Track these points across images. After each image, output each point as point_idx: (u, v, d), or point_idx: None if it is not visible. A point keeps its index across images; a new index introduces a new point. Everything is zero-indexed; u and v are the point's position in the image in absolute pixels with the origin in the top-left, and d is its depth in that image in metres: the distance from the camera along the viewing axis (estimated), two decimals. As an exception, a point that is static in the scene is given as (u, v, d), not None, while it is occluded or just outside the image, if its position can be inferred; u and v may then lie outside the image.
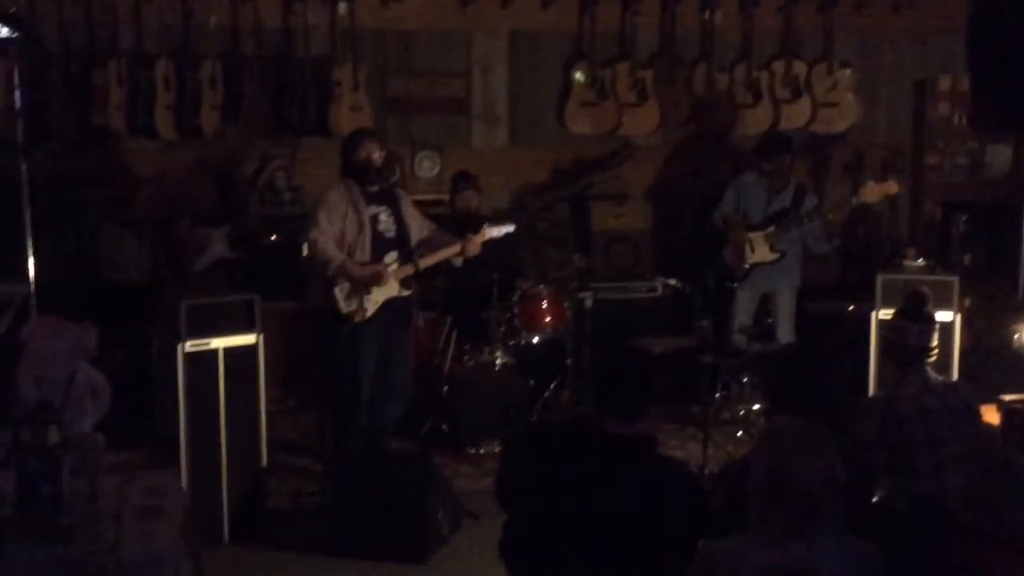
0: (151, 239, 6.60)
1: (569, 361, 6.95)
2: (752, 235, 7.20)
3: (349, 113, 7.86)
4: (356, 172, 6.21)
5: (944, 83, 8.72)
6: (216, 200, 6.58)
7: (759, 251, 7.20)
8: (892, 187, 6.88)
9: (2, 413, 3.44)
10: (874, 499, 4.25)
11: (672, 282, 7.58)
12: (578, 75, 8.33)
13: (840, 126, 8.54)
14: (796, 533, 3.01)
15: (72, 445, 3.28)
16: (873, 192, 6.80)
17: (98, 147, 7.70)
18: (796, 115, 8.44)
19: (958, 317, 6.30)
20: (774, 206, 7.24)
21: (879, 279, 6.39)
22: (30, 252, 6.46)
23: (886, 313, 5.81)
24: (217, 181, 6.47)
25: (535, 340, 7.13)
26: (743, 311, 7.35)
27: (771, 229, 7.16)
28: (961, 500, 3.32)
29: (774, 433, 3.16)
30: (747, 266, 7.21)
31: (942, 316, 5.47)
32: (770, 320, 7.41)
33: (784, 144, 7.42)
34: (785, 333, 7.30)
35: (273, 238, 7.83)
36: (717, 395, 7.26)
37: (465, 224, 6.67)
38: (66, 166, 7.65)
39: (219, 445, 5.56)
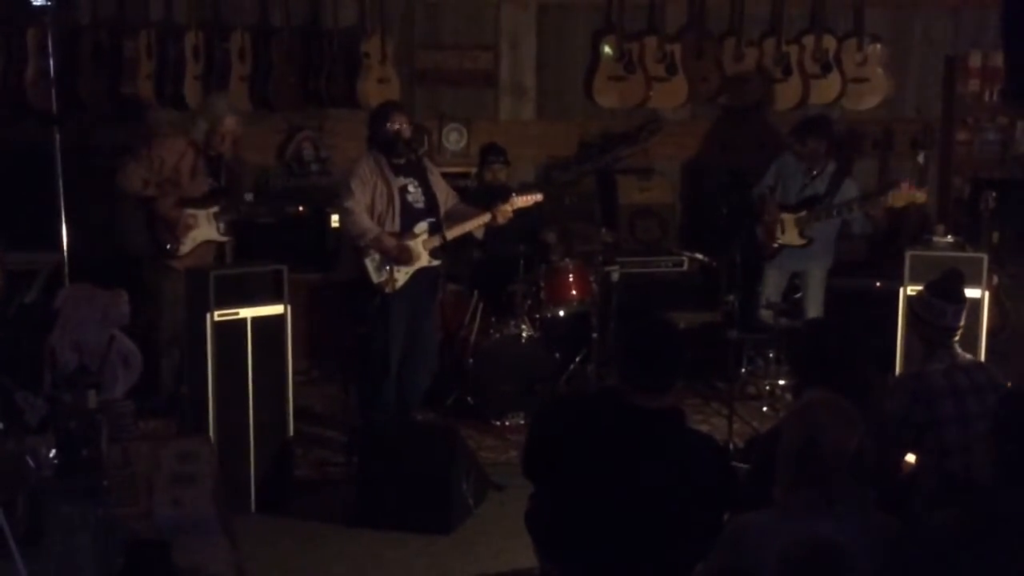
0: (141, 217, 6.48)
1: (595, 335, 6.94)
2: (784, 216, 7.15)
3: (377, 85, 7.87)
4: (384, 144, 6.24)
5: (975, 58, 8.62)
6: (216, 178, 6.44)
7: (788, 234, 7.16)
8: (920, 197, 6.86)
9: (33, 378, 3.47)
10: (901, 476, 4.25)
11: (699, 256, 7.56)
12: (606, 49, 8.29)
13: (870, 102, 8.47)
14: (822, 508, 3.02)
15: (107, 411, 3.32)
16: (900, 198, 6.77)
17: (128, 117, 7.73)
18: (826, 90, 8.38)
19: (986, 295, 6.27)
20: (807, 191, 7.20)
21: (908, 255, 6.35)
22: (62, 220, 6.52)
23: (914, 289, 5.78)
24: (208, 161, 6.32)
25: (561, 313, 7.14)
26: (772, 288, 7.32)
27: (802, 214, 7.11)
28: (991, 478, 3.32)
29: (808, 407, 3.18)
30: (776, 246, 7.18)
31: (971, 293, 5.40)
32: (798, 295, 7.38)
33: (817, 128, 7.30)
34: (813, 310, 7.27)
35: (300, 209, 7.85)
36: (743, 370, 7.26)
37: (494, 197, 6.67)
38: (96, 136, 7.70)
39: (247, 415, 5.59)
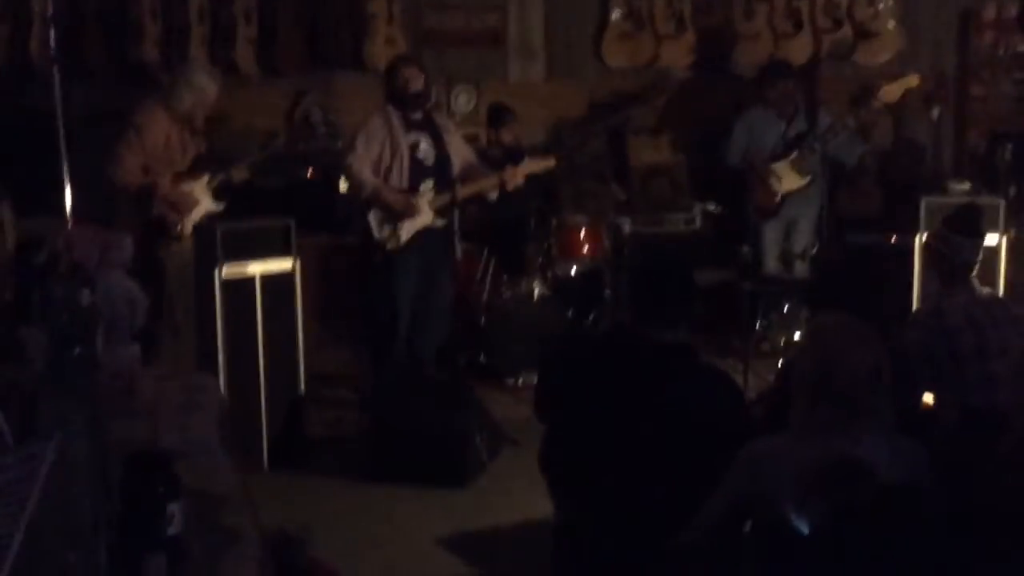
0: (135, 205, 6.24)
1: (607, 292, 6.88)
2: (776, 166, 7.08)
3: (384, 46, 7.78)
4: (396, 99, 6.18)
5: (989, 11, 8.52)
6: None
7: (787, 179, 7.09)
8: (912, 80, 6.76)
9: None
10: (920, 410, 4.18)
11: (711, 207, 7.48)
12: (615, 16, 8.22)
13: (882, 56, 8.36)
14: (840, 429, 2.95)
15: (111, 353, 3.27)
16: (893, 90, 6.68)
17: (134, 83, 7.67)
18: (837, 45, 8.28)
19: (1004, 240, 6.19)
20: (790, 133, 7.13)
21: (923, 202, 6.29)
22: (67, 187, 6.45)
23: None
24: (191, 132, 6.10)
25: (572, 271, 7.08)
26: (772, 243, 7.26)
27: (794, 155, 7.04)
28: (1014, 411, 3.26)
29: (820, 327, 3.11)
30: (778, 199, 7.10)
31: (988, 239, 5.37)
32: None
33: (784, 68, 7.37)
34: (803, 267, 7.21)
35: (309, 173, 7.81)
36: (757, 325, 7.19)
37: (507, 158, 6.61)
38: (103, 101, 7.63)
39: (257, 371, 5.55)
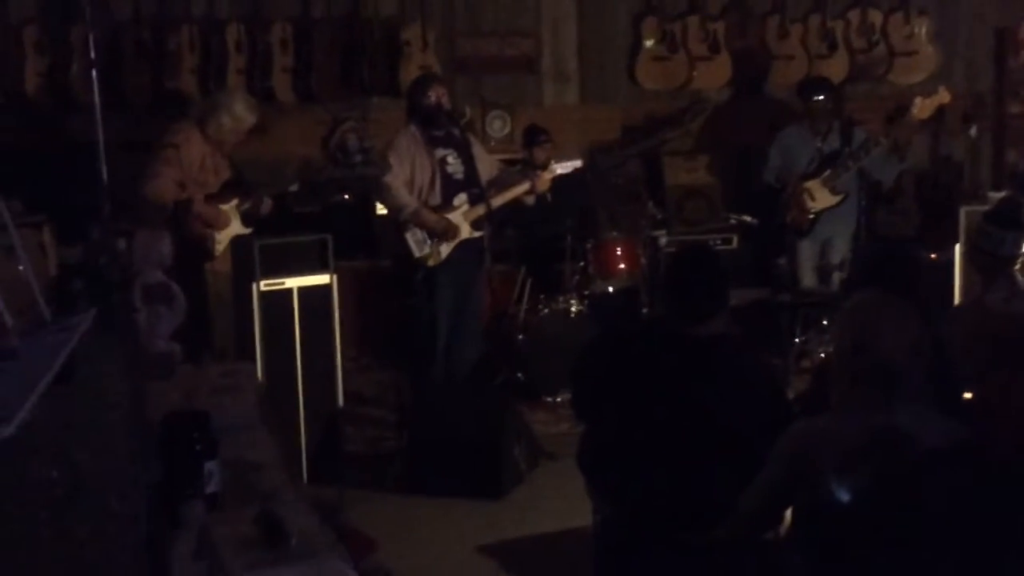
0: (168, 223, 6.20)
1: (645, 310, 6.86)
2: (809, 184, 7.05)
3: (418, 73, 7.84)
4: (423, 116, 6.20)
5: (1025, 29, 8.51)
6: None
7: (820, 198, 7.04)
8: (944, 96, 6.70)
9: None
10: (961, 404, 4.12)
11: (747, 219, 7.44)
12: (648, 44, 8.26)
13: (918, 76, 8.36)
14: (880, 406, 2.90)
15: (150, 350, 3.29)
16: (926, 106, 6.64)
17: (172, 112, 7.75)
18: (872, 65, 8.28)
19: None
20: (825, 149, 7.10)
21: (962, 211, 6.24)
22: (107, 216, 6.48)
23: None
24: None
25: (609, 289, 7.06)
26: (807, 260, 7.23)
27: (827, 173, 7.01)
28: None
29: (858, 305, 3.07)
30: (811, 216, 7.07)
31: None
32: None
33: (821, 85, 7.32)
34: (840, 278, 7.15)
35: (346, 198, 7.85)
36: (796, 340, 7.13)
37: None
38: (140, 131, 7.72)
39: (295, 385, 5.55)
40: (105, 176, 5.58)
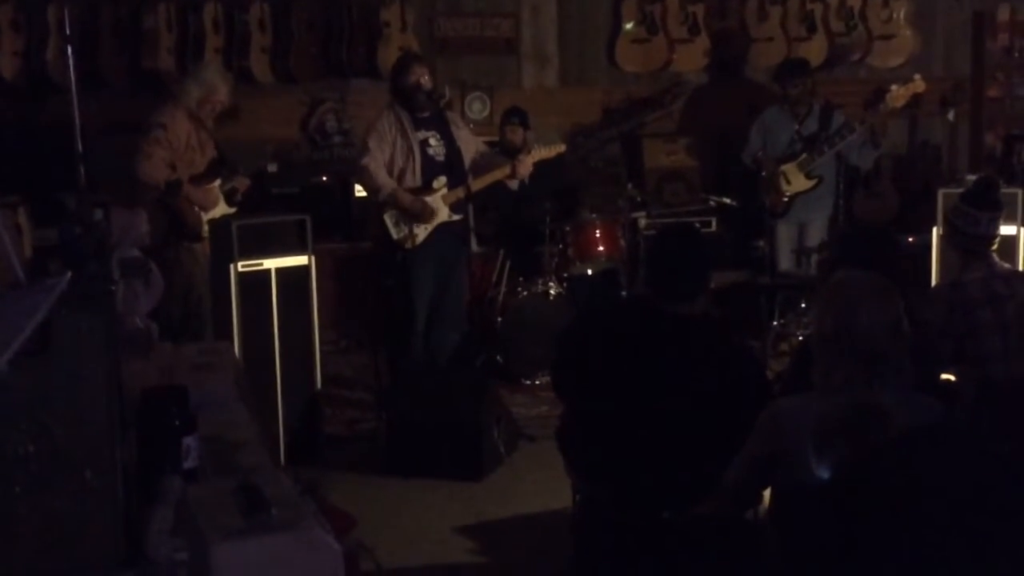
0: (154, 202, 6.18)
1: (623, 292, 6.86)
2: (785, 167, 7.07)
3: (398, 54, 7.78)
4: (405, 97, 6.17)
5: (1003, 13, 8.53)
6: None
7: (795, 181, 7.08)
8: (919, 85, 6.74)
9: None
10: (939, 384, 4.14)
11: (727, 201, 7.46)
12: (628, 26, 8.25)
13: (897, 60, 8.38)
14: (860, 384, 2.91)
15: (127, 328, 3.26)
16: (900, 95, 6.66)
17: (148, 91, 7.70)
18: (851, 48, 8.29)
19: (1022, 230, 6.15)
20: (804, 131, 7.12)
21: (940, 193, 6.26)
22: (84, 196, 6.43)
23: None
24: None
25: (588, 271, 7.06)
26: (785, 243, 7.25)
27: (803, 156, 7.03)
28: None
29: (839, 283, 3.07)
30: (786, 199, 7.09)
31: (1006, 230, 5.34)
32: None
33: (801, 66, 7.36)
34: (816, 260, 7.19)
35: (324, 179, 7.83)
36: (775, 323, 7.16)
37: (510, 156, 6.61)
38: (118, 111, 7.67)
39: (274, 366, 5.51)
40: (80, 148, 5.60)
